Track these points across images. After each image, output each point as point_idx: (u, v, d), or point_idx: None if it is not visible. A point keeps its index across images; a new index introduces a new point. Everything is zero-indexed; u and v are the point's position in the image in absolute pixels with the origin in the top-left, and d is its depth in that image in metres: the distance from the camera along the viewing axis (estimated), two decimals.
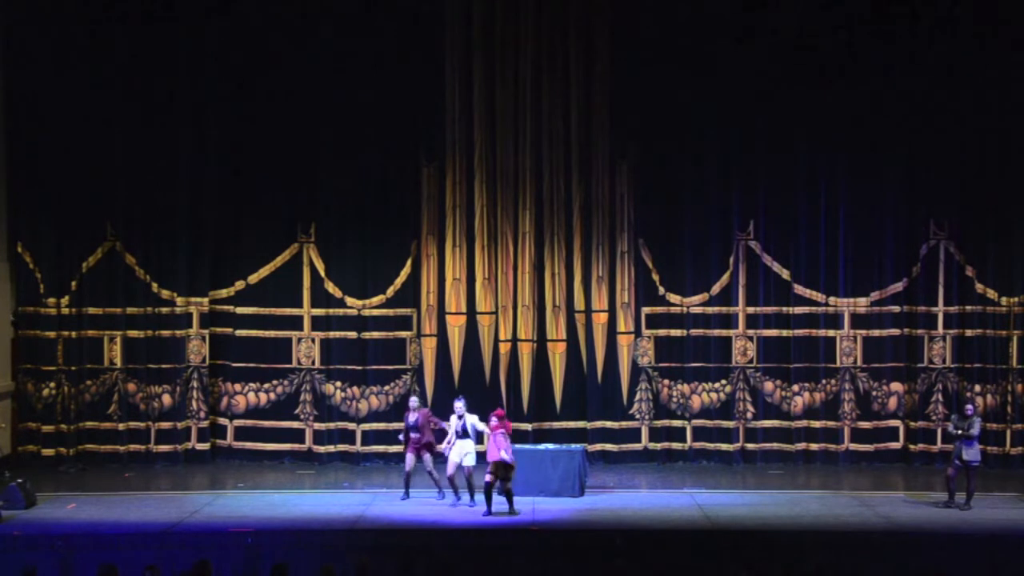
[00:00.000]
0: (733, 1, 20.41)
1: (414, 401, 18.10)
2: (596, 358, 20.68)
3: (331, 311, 20.80)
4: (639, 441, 20.72)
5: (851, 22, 20.29)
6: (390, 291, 20.79)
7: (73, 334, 20.56)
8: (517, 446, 17.49)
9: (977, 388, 20.53)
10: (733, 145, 20.58)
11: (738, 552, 14.83)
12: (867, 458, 20.74)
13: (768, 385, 20.82)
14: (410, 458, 17.66)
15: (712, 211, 20.72)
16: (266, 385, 20.88)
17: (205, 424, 20.78)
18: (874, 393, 20.78)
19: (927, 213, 20.64)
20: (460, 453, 17.26)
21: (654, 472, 20.18)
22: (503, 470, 16.65)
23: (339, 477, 19.85)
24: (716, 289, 20.80)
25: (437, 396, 20.28)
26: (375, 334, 20.78)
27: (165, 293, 20.71)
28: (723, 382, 20.83)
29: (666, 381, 20.86)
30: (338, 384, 20.78)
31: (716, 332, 20.83)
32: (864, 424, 20.77)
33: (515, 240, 20.61)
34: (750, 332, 20.80)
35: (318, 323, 20.84)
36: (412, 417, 17.73)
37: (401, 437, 18.01)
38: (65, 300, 20.52)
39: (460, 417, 17.32)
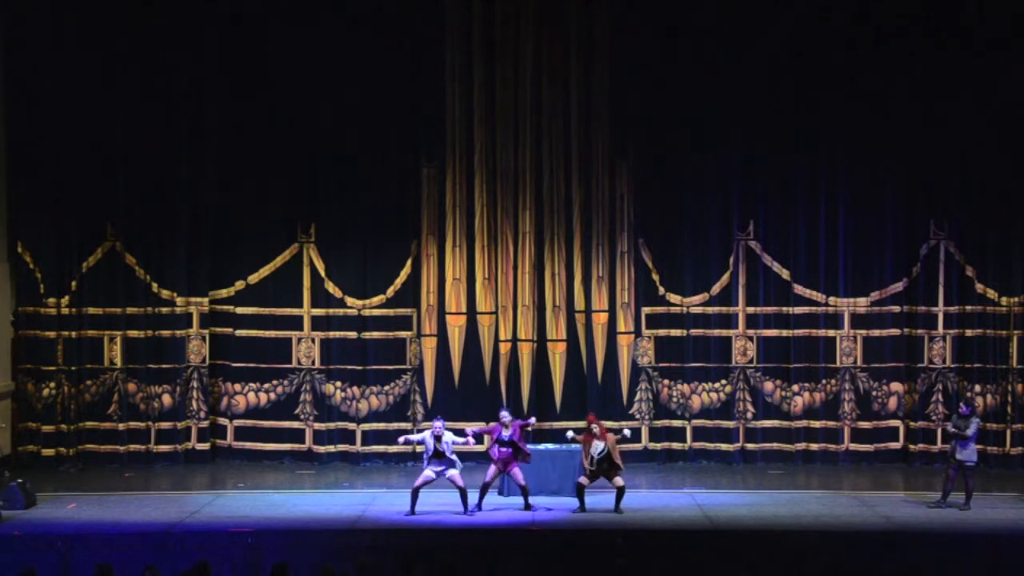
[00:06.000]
0: (733, 1, 20.42)
1: (506, 415, 17.17)
2: (596, 358, 20.67)
3: (331, 311, 20.79)
4: (639, 441, 20.69)
5: (851, 22, 20.28)
6: (390, 291, 20.79)
7: (73, 334, 20.55)
8: None
9: (977, 388, 20.51)
10: (733, 145, 20.56)
11: (738, 552, 14.83)
12: (867, 458, 20.74)
13: (768, 385, 20.82)
14: (493, 470, 17.15)
15: (712, 211, 20.71)
16: (266, 385, 20.88)
17: (205, 424, 20.77)
18: (874, 393, 20.78)
19: (927, 213, 20.63)
20: (437, 470, 16.77)
21: (654, 472, 20.17)
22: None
23: (339, 477, 19.84)
24: (716, 289, 20.80)
25: (437, 396, 20.35)
26: (375, 334, 20.78)
27: (165, 293, 20.71)
28: (723, 382, 20.82)
29: (666, 381, 20.85)
30: (338, 384, 20.77)
31: (716, 332, 20.82)
32: (864, 424, 20.76)
33: (515, 240, 20.61)
34: (750, 332, 20.79)
35: (318, 323, 20.83)
36: (507, 432, 16.98)
37: (495, 454, 17.07)
38: (65, 300, 20.50)
39: (438, 438, 16.69)
